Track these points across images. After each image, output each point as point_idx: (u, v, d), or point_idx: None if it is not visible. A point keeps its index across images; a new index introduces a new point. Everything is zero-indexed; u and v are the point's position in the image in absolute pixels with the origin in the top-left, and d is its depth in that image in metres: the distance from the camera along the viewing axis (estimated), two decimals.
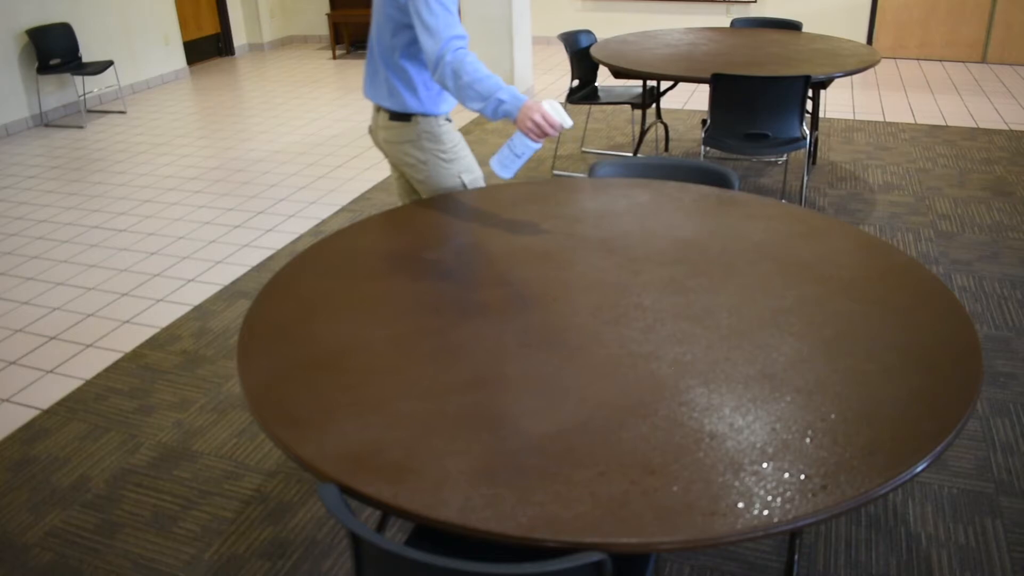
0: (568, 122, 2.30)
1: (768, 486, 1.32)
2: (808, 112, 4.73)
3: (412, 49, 2.54)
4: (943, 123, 6.34)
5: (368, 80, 2.69)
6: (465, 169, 2.72)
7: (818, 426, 1.46)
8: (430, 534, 1.68)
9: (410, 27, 2.49)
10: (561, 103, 2.32)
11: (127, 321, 3.74)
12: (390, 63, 2.57)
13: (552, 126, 2.27)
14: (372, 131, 2.79)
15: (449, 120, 2.70)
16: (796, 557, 2.29)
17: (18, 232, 4.84)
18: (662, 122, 6.02)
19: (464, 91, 2.33)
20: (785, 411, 1.50)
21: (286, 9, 10.78)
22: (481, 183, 2.76)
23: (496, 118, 2.35)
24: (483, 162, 5.67)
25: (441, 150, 2.66)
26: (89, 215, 5.07)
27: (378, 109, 2.70)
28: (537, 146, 2.34)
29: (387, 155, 2.77)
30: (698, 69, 4.38)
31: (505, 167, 2.35)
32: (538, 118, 2.26)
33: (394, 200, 5.07)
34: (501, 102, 2.30)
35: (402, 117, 2.63)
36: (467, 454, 1.41)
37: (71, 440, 2.90)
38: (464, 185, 2.72)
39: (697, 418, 1.49)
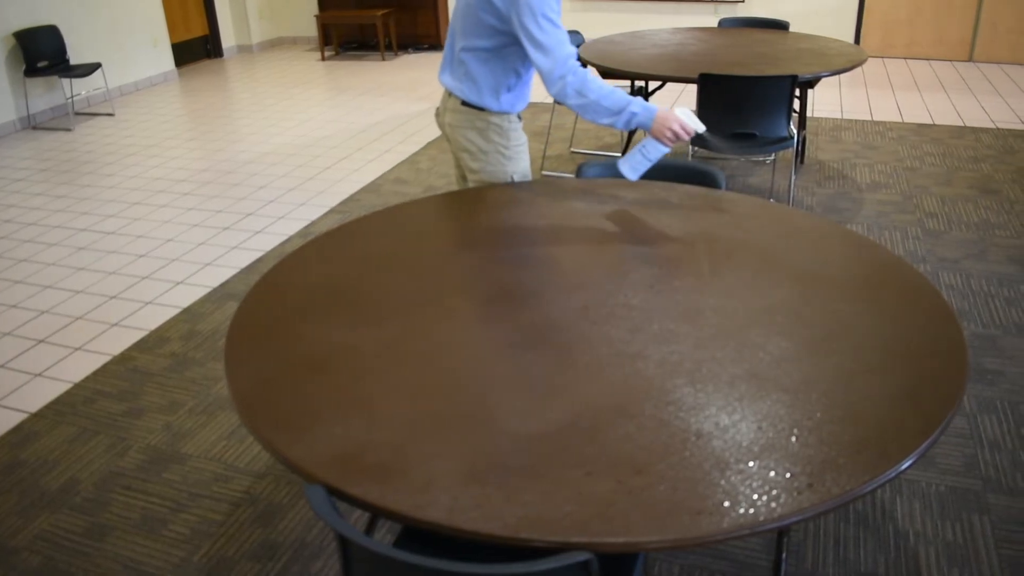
0: (701, 127, 2.44)
1: (754, 484, 1.33)
2: (795, 111, 4.75)
3: (506, 52, 2.56)
4: (930, 122, 6.37)
5: (447, 69, 2.72)
6: (519, 171, 2.76)
7: (804, 424, 1.47)
8: (418, 535, 1.68)
9: (505, 33, 2.50)
10: (698, 120, 2.46)
11: (116, 324, 3.73)
12: (478, 62, 2.59)
13: (688, 132, 2.40)
14: (439, 113, 2.82)
15: (520, 119, 2.74)
16: (784, 555, 2.30)
17: (7, 235, 4.82)
18: None
19: (590, 108, 2.42)
20: (771, 410, 1.51)
21: (275, 11, 10.76)
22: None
23: (627, 129, 2.46)
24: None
25: (505, 145, 2.70)
26: (78, 218, 5.05)
27: (450, 94, 2.72)
28: (668, 149, 2.46)
29: (448, 138, 2.80)
30: (686, 69, 4.39)
31: (635, 170, 2.50)
32: (676, 127, 2.39)
33: (384, 201, 5.07)
34: (634, 115, 2.42)
35: (476, 107, 2.66)
36: (454, 455, 1.41)
37: (60, 443, 2.89)
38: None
39: (684, 417, 1.50)
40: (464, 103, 2.67)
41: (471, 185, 2.81)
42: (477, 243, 2.25)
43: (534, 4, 2.36)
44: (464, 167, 2.79)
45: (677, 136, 2.41)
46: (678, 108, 2.42)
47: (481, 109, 2.66)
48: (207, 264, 4.32)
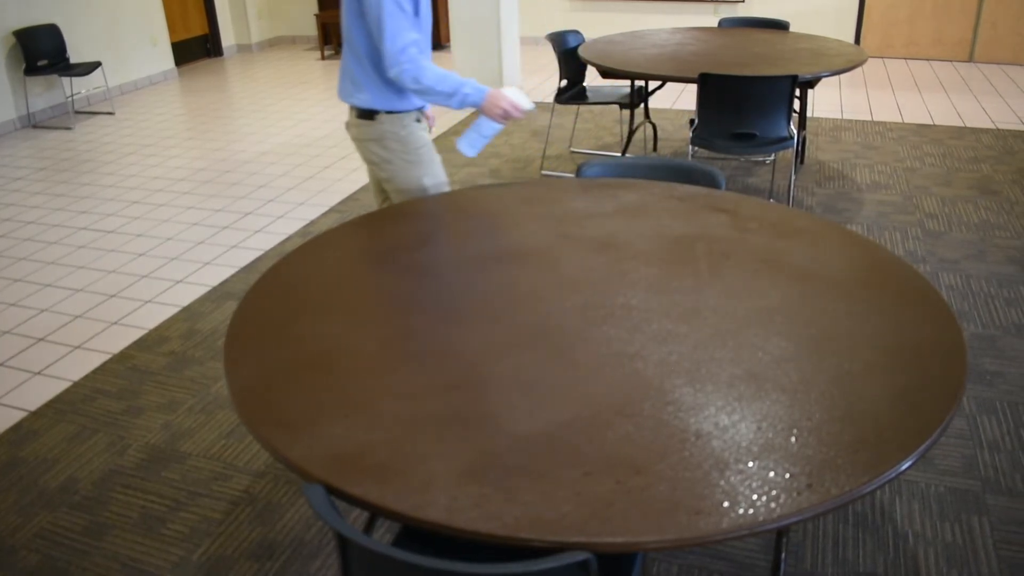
0: (530, 105, 2.60)
1: (753, 485, 1.33)
2: (795, 111, 4.75)
3: (374, 45, 2.61)
4: (930, 122, 6.37)
5: (342, 82, 2.77)
6: (428, 173, 2.80)
7: (803, 425, 1.47)
8: (417, 534, 1.68)
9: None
10: (529, 97, 2.57)
11: (115, 322, 3.73)
12: (356, 61, 2.65)
13: (517, 110, 2.57)
14: (347, 127, 2.86)
15: (418, 121, 2.77)
16: (783, 555, 2.30)
17: (6, 234, 4.82)
18: (650, 122, 6.03)
19: (426, 92, 2.55)
20: (770, 410, 1.51)
21: (274, 10, 10.76)
22: (444, 188, 2.84)
23: (462, 108, 2.57)
24: (468, 163, 5.68)
25: (405, 151, 2.74)
26: (77, 216, 5.05)
27: (350, 107, 2.78)
28: (501, 127, 2.65)
29: (358, 151, 2.85)
30: (686, 69, 4.39)
31: (473, 147, 2.65)
32: (506, 105, 2.56)
33: None
34: (467, 95, 2.54)
35: (368, 115, 2.71)
36: (453, 454, 1.41)
37: (59, 442, 2.89)
38: (425, 189, 2.80)
39: (683, 417, 1.50)
40: (360, 115, 2.72)
41: (389, 195, 2.87)
42: (477, 242, 2.25)
43: None
44: (378, 177, 2.84)
45: (507, 114, 2.56)
46: (508, 87, 2.58)
47: (374, 116, 2.69)
48: (206, 263, 4.31)
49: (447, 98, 2.54)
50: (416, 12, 2.55)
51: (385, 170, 2.77)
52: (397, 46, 2.49)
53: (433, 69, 2.52)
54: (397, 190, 2.80)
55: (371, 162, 2.79)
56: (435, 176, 2.82)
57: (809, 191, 4.98)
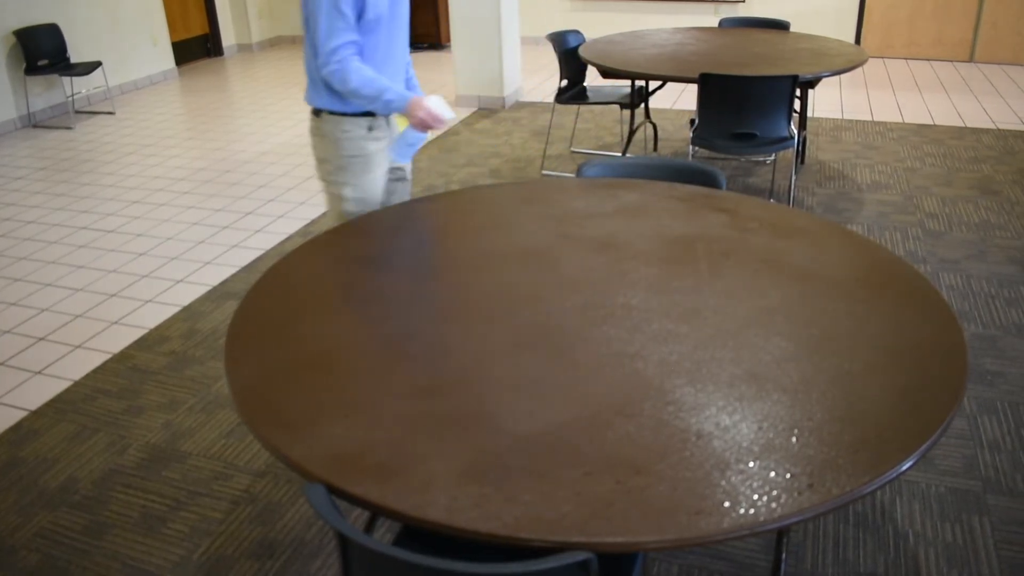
0: (450, 114, 2.55)
1: (754, 485, 1.32)
2: (796, 111, 4.75)
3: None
4: (931, 122, 6.37)
5: None
6: (352, 184, 2.71)
7: (804, 425, 1.47)
8: (418, 534, 1.68)
9: None
10: (450, 108, 2.55)
11: (116, 322, 3.73)
12: (307, 58, 2.64)
13: (437, 120, 2.52)
14: None
15: (371, 130, 2.68)
16: (784, 556, 2.29)
17: (6, 233, 4.82)
18: (651, 122, 6.03)
19: (352, 93, 2.53)
20: (771, 410, 1.51)
21: (274, 9, 10.76)
22: (370, 206, 2.74)
23: (386, 113, 2.60)
24: (469, 163, 5.68)
25: (338, 155, 2.69)
26: (77, 216, 5.05)
27: None
28: (427, 136, 2.71)
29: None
30: (686, 69, 4.39)
31: (401, 155, 2.72)
32: (423, 115, 2.50)
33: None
34: (390, 101, 2.52)
35: (316, 113, 2.70)
36: (454, 454, 1.41)
37: (59, 441, 2.89)
38: (345, 199, 2.72)
39: (683, 417, 1.49)
40: (312, 111, 2.71)
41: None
42: (476, 242, 2.25)
43: None
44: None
45: (424, 123, 2.52)
46: (431, 97, 2.52)
47: (319, 115, 2.68)
48: (207, 263, 4.31)
49: (371, 102, 2.53)
50: (360, 17, 2.50)
51: (321, 169, 2.74)
52: (329, 47, 2.47)
53: (362, 72, 2.50)
54: (327, 193, 2.78)
55: (315, 159, 2.78)
56: (360, 190, 2.71)
57: (809, 191, 4.98)
